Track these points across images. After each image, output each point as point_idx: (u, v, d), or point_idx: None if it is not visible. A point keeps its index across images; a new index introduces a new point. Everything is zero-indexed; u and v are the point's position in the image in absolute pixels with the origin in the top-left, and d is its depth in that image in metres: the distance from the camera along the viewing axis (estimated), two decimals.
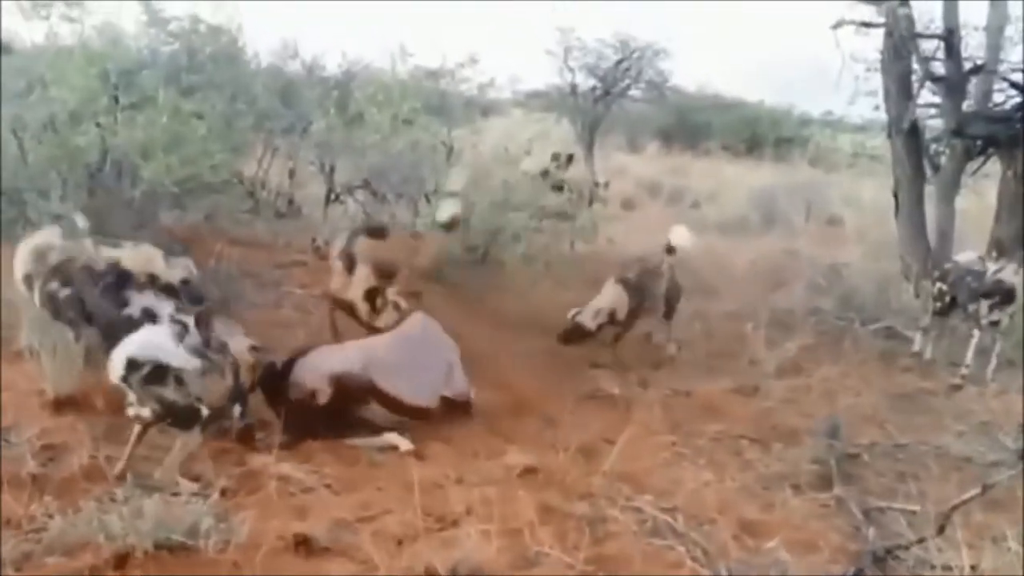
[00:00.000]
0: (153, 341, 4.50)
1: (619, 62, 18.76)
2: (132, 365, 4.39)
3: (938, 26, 9.58)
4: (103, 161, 7.92)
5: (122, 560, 3.75)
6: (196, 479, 4.55)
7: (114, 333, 4.80)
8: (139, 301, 4.92)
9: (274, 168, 10.53)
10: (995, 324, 7.57)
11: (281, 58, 11.66)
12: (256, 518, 4.12)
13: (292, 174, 10.43)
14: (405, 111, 9.46)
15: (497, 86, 13.16)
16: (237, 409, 4.96)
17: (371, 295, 6.57)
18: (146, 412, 4.53)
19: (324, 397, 5.33)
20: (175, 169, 7.83)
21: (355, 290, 6.68)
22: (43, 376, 5.19)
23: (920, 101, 9.80)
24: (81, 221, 5.98)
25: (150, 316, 4.87)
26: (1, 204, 7.27)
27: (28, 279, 5.12)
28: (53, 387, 5.14)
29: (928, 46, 9.69)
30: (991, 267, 7.64)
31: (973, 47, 9.83)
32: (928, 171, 9.94)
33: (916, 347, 8.10)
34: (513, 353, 7.03)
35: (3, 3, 9.88)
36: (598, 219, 9.06)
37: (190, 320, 4.73)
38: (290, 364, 5.41)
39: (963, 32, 9.58)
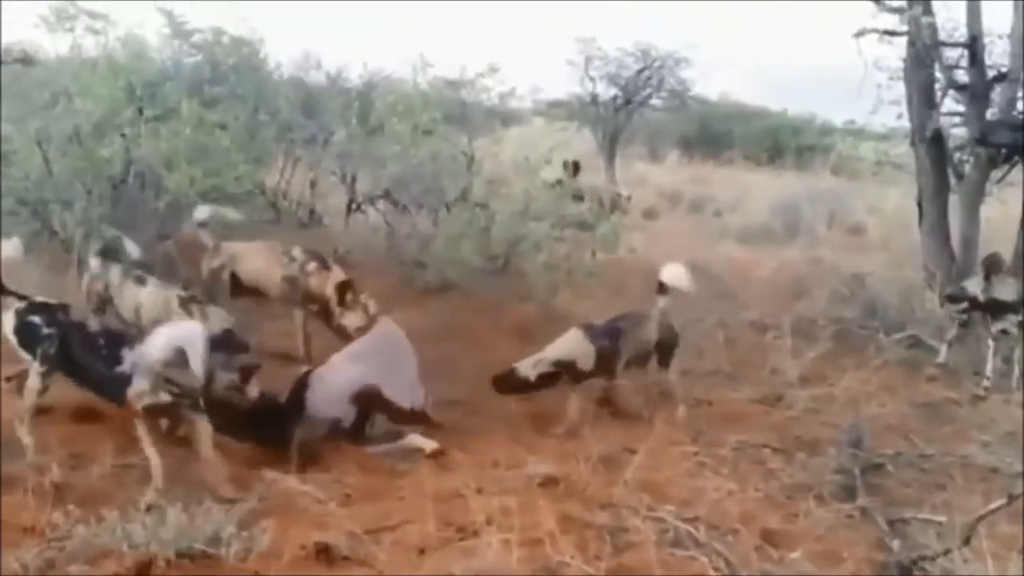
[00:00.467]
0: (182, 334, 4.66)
1: (640, 71, 18.73)
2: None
3: (962, 34, 9.51)
4: (127, 172, 8.02)
5: (144, 568, 3.78)
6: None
7: (104, 387, 4.86)
8: (132, 357, 4.82)
9: (296, 178, 10.59)
10: (1005, 333, 7.56)
11: (303, 69, 11.78)
12: (277, 527, 4.14)
13: (314, 184, 10.47)
14: (426, 121, 9.49)
15: (518, 96, 13.17)
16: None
17: (343, 288, 6.56)
18: (165, 396, 4.61)
19: (349, 420, 5.33)
20: (198, 180, 7.90)
21: (330, 285, 6.68)
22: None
23: (944, 109, 9.73)
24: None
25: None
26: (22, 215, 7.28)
27: None
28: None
29: (952, 54, 9.62)
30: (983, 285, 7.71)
31: (997, 55, 9.74)
32: (952, 180, 9.84)
33: (941, 358, 8.03)
34: None
35: (29, 16, 9.98)
36: (619, 228, 9.04)
37: None
38: (299, 402, 5.35)
39: (987, 40, 9.50)
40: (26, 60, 10.38)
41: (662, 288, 6.52)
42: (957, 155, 9.99)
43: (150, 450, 4.63)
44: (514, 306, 8.13)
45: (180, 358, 4.57)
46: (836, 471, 5.33)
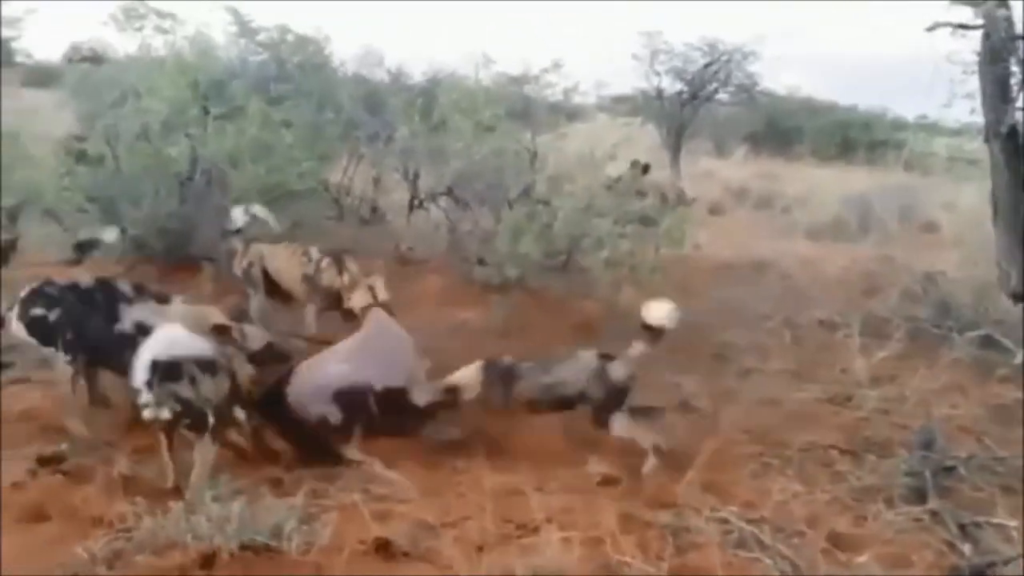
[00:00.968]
0: (172, 339, 4.54)
1: (707, 65, 18.49)
2: (155, 367, 4.41)
3: None
4: (193, 170, 8.13)
5: (209, 560, 3.83)
6: (279, 483, 4.59)
7: (107, 351, 4.87)
8: (131, 315, 4.88)
9: (359, 175, 10.64)
10: None
11: (367, 66, 11.88)
12: (338, 521, 4.18)
13: (376, 181, 10.52)
14: (488, 117, 9.47)
15: (581, 91, 13.17)
16: (241, 413, 4.92)
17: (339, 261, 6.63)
18: (165, 412, 4.47)
19: (335, 418, 5.23)
20: (263, 177, 7.97)
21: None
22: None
23: (1019, 104, 9.41)
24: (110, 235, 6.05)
25: (143, 330, 4.84)
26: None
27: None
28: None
29: None
30: None
31: None
32: None
33: (1019, 359, 7.75)
34: None
35: (99, 15, 10.19)
36: (684, 224, 8.92)
37: None
38: (280, 393, 5.25)
39: None
40: (96, 59, 10.61)
41: (647, 328, 5.50)
42: None
43: (164, 456, 4.62)
44: (576, 303, 8.07)
45: (184, 371, 4.50)
46: (906, 473, 5.17)
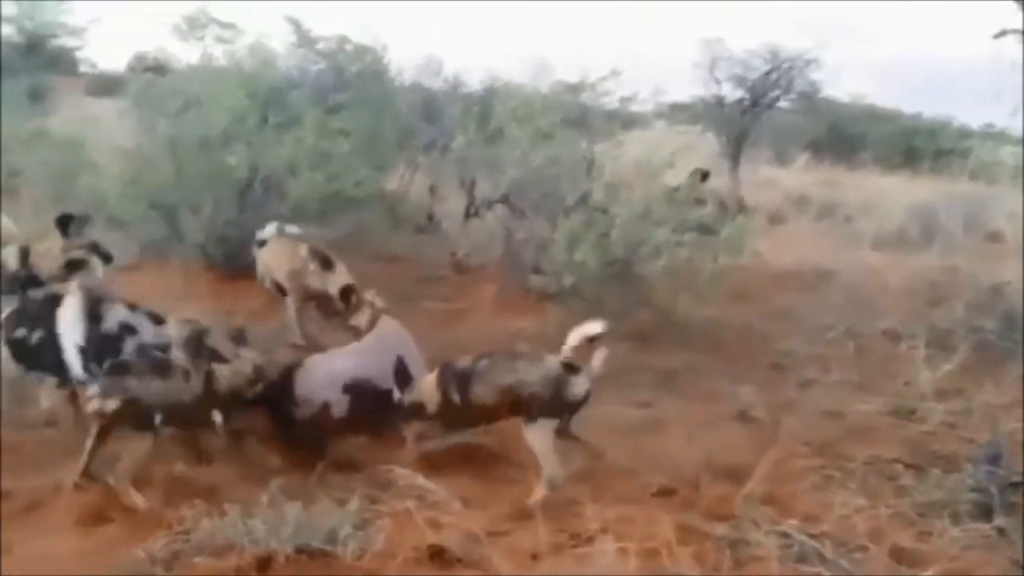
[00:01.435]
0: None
1: (768, 72, 18.24)
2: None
3: None
4: (252, 178, 8.18)
5: (265, 563, 3.86)
6: (333, 488, 4.59)
7: (95, 353, 4.71)
8: (114, 316, 4.83)
9: (415, 183, 10.67)
10: None
11: (425, 75, 11.88)
12: (392, 528, 4.17)
13: (433, 190, 10.54)
14: (545, 125, 9.42)
15: (639, 99, 13.06)
16: (218, 416, 4.87)
17: (346, 293, 6.45)
18: (111, 404, 4.45)
19: (340, 410, 5.22)
20: (320, 186, 8.01)
21: (332, 285, 6.72)
22: None
23: None
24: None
25: (129, 330, 4.86)
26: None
27: None
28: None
29: None
30: None
31: None
32: None
33: None
34: (653, 369, 6.92)
35: (162, 26, 10.36)
36: (744, 233, 8.79)
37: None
38: (288, 379, 5.25)
39: None
40: (158, 68, 10.77)
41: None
42: None
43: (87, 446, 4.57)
44: (633, 312, 7.97)
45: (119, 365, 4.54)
46: (972, 489, 5.02)
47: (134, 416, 4.50)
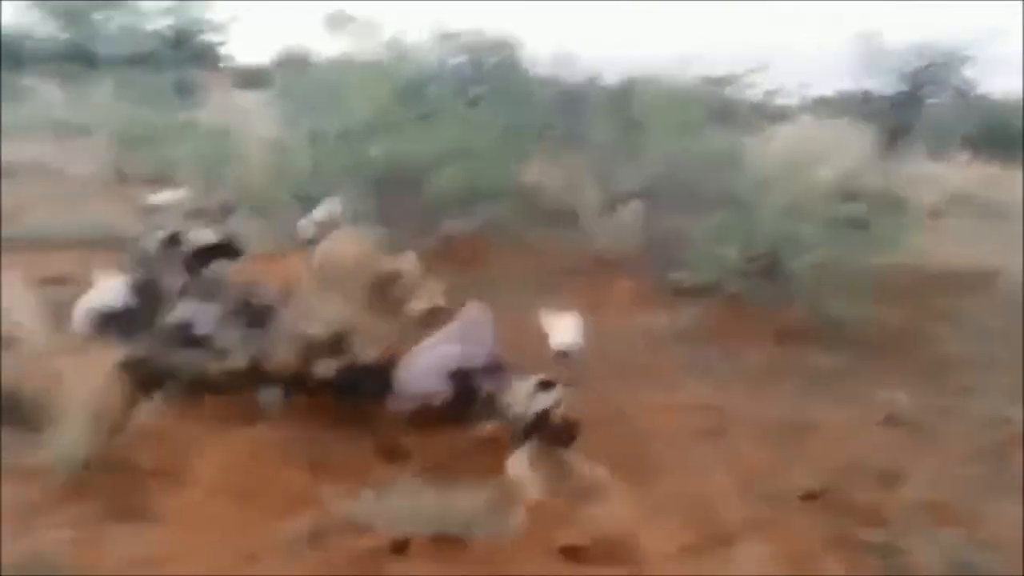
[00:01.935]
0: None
1: (922, 67, 17.59)
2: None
3: None
4: (391, 170, 8.20)
5: (401, 546, 3.89)
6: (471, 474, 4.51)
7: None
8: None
9: (553, 177, 10.57)
10: None
11: (563, 67, 11.70)
12: (530, 518, 4.13)
13: (570, 183, 10.40)
14: (688, 118, 9.21)
15: (787, 92, 12.64)
16: (273, 392, 4.92)
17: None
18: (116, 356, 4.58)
19: (443, 398, 5.07)
20: (458, 178, 7.99)
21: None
22: None
23: None
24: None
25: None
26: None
27: None
28: None
29: None
30: None
31: None
32: None
33: None
34: (799, 369, 6.67)
35: (304, 20, 10.64)
36: (898, 229, 8.36)
37: None
38: (387, 367, 5.15)
39: None
40: (302, 63, 11.00)
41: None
42: None
43: None
44: (778, 310, 7.68)
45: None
46: None
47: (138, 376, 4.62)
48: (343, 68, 9.77)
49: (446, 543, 3.90)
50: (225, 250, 6.15)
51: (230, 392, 4.91)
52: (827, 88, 19.31)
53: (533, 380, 4.82)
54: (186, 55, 21.65)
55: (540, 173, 10.51)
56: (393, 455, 4.77)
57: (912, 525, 4.33)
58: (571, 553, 3.98)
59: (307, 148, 8.10)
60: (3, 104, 14.44)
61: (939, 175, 16.66)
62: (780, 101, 13.51)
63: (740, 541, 4.12)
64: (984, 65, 17.87)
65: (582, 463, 4.69)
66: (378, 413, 5.06)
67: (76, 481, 4.16)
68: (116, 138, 12.38)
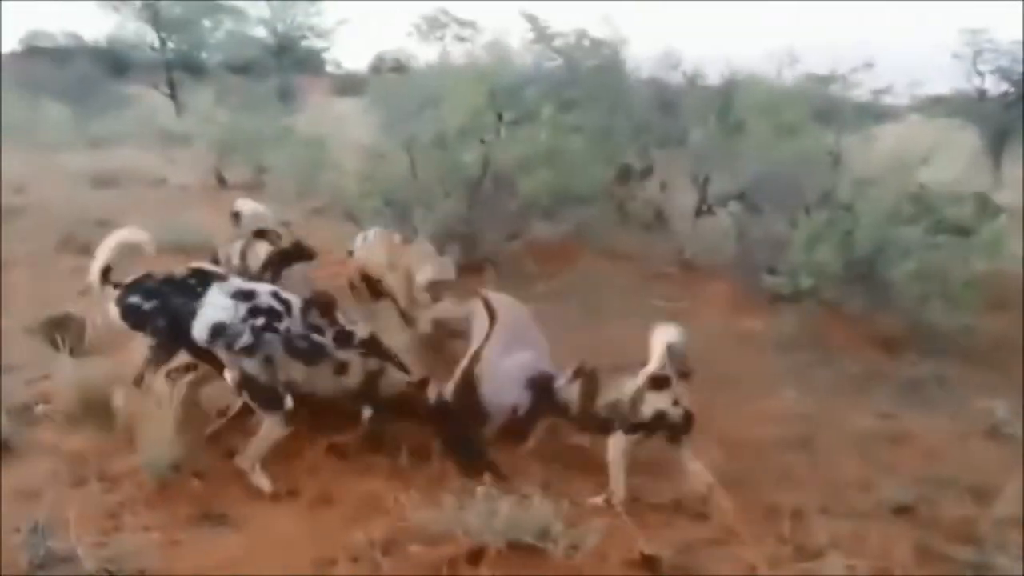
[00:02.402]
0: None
1: None
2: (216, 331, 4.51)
3: None
4: (484, 175, 8.26)
5: (477, 555, 3.86)
6: (547, 487, 4.50)
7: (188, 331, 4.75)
8: (227, 287, 4.79)
9: (648, 179, 10.50)
10: None
11: (663, 68, 11.64)
12: (605, 529, 4.04)
13: (664, 186, 10.34)
14: (790, 118, 9.05)
15: (894, 92, 12.26)
16: (367, 411, 4.83)
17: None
18: (232, 376, 4.54)
19: (523, 408, 4.97)
20: (550, 183, 7.99)
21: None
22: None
23: None
24: None
25: (246, 295, 4.77)
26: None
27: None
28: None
29: None
30: None
31: None
32: None
33: None
34: (896, 379, 6.51)
35: (404, 26, 10.81)
36: (1003, 235, 8.05)
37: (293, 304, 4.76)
38: (471, 386, 5.01)
39: None
40: (399, 68, 11.14)
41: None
42: None
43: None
44: (876, 317, 7.53)
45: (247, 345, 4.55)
46: None
47: (254, 394, 4.59)
48: (438, 73, 9.86)
49: (522, 552, 3.88)
50: (299, 254, 6.38)
51: (336, 410, 4.90)
52: (942, 87, 18.69)
53: (643, 376, 4.62)
54: (289, 61, 22.10)
55: (634, 176, 10.46)
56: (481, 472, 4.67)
57: (1005, 542, 4.19)
58: (651, 563, 3.92)
59: (402, 154, 8.18)
60: (107, 112, 14.93)
61: None
62: (888, 100, 13.08)
63: (827, 555, 4.02)
64: None
65: (693, 460, 4.64)
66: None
67: (163, 485, 4.28)
68: (217, 145, 12.76)
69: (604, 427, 4.71)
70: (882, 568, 3.94)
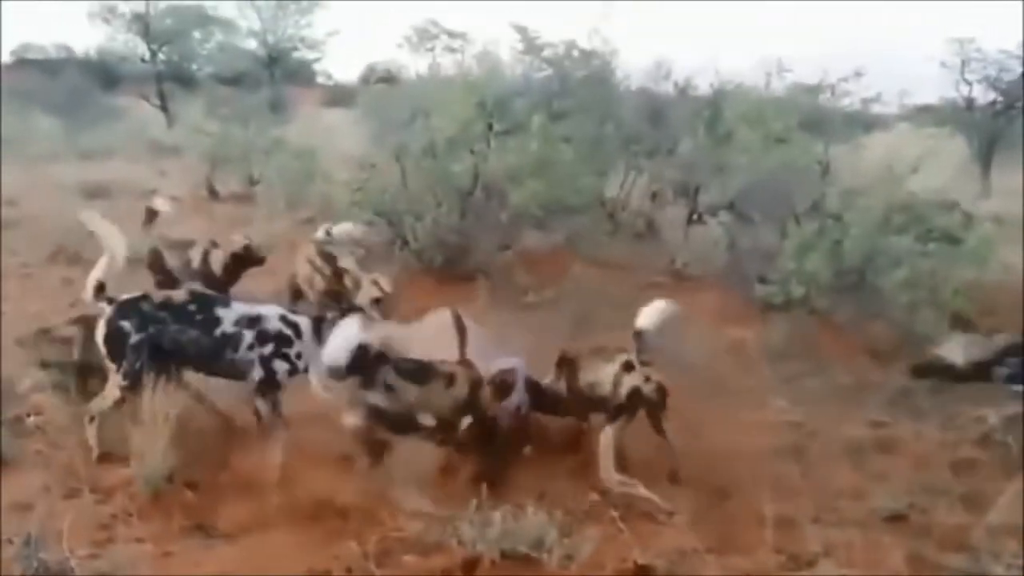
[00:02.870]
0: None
1: (1020, 75, 16.99)
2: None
3: None
4: (475, 185, 8.28)
5: (471, 565, 3.88)
6: (541, 497, 4.50)
7: (211, 357, 4.71)
8: (231, 314, 4.74)
9: (636, 190, 10.52)
10: None
11: (652, 79, 11.66)
12: (600, 539, 4.08)
13: (654, 196, 10.38)
14: (779, 129, 9.09)
15: (883, 100, 12.29)
16: (466, 421, 4.79)
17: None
18: (357, 416, 4.52)
19: (525, 407, 5.02)
20: (541, 193, 8.01)
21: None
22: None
23: None
24: None
25: (252, 321, 4.74)
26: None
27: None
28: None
29: None
30: None
31: None
32: None
33: None
34: (886, 387, 6.47)
35: (394, 37, 10.84)
36: (991, 243, 8.08)
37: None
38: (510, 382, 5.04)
39: None
40: (389, 79, 11.16)
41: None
42: None
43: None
44: (866, 326, 7.53)
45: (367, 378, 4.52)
46: None
47: (391, 423, 4.60)
48: (429, 84, 9.87)
49: (516, 562, 3.88)
50: (250, 258, 6.77)
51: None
52: (931, 96, 18.77)
53: (618, 362, 4.88)
54: (280, 72, 22.12)
55: (624, 186, 10.48)
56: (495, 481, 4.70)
57: (1000, 551, 4.15)
58: (645, 573, 3.92)
59: (392, 165, 8.19)
60: (98, 124, 14.92)
61: None
62: (878, 109, 13.12)
63: (820, 563, 4.03)
64: None
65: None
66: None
67: (156, 496, 4.29)
68: (207, 157, 12.78)
69: (590, 407, 4.96)
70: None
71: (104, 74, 23.60)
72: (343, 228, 7.15)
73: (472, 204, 8.33)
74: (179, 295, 4.85)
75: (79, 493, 4.33)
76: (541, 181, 8.23)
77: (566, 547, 3.93)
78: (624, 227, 10.15)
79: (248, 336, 4.70)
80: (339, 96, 21.58)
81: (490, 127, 8.62)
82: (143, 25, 22.57)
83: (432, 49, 10.59)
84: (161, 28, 22.77)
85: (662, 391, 4.86)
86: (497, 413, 4.89)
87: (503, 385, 4.94)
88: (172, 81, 22.89)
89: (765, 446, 5.42)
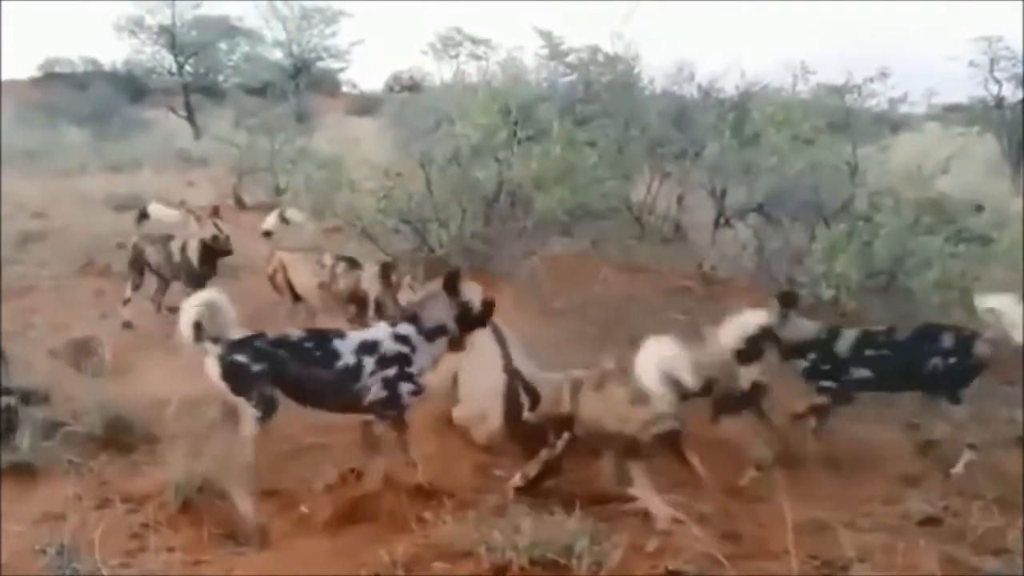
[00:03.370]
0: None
1: None
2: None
3: None
4: (499, 192, 8.28)
5: (500, 571, 3.85)
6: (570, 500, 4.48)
7: (336, 391, 4.63)
8: (348, 344, 4.65)
9: (662, 193, 10.49)
10: None
11: (677, 82, 11.62)
12: (628, 545, 4.03)
13: (680, 199, 10.34)
14: (806, 130, 9.04)
15: (910, 100, 12.19)
16: (566, 435, 4.81)
17: (386, 269, 6.60)
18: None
19: None
20: (566, 200, 7.99)
21: (365, 280, 6.70)
22: None
23: None
24: None
25: (369, 348, 4.65)
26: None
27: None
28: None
29: None
30: None
31: None
32: None
33: None
34: None
35: (418, 44, 10.86)
36: (1020, 245, 7.98)
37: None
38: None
39: None
40: (414, 87, 11.19)
41: None
42: None
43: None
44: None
45: None
46: None
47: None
48: (453, 91, 9.88)
49: (545, 568, 3.86)
50: (217, 248, 7.19)
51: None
52: (960, 95, 18.61)
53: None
54: (306, 82, 22.25)
55: (650, 190, 10.46)
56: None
57: None
58: None
59: (417, 172, 8.19)
60: (126, 136, 15.06)
61: None
62: (905, 109, 13.02)
63: (854, 569, 3.98)
64: None
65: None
66: None
67: (187, 505, 4.31)
68: (234, 167, 12.92)
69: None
70: None
71: (131, 86, 23.83)
72: (293, 213, 7.37)
73: (497, 211, 8.33)
74: (295, 333, 4.76)
75: (111, 503, 4.35)
76: (566, 186, 8.20)
77: (595, 554, 3.89)
78: (651, 231, 10.13)
79: (369, 363, 4.62)
80: (364, 105, 21.67)
81: (514, 133, 8.60)
82: (169, 37, 22.80)
83: (456, 56, 10.64)
84: (187, 40, 23.01)
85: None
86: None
87: None
88: (199, 92, 23.13)
89: (797, 450, 5.33)
